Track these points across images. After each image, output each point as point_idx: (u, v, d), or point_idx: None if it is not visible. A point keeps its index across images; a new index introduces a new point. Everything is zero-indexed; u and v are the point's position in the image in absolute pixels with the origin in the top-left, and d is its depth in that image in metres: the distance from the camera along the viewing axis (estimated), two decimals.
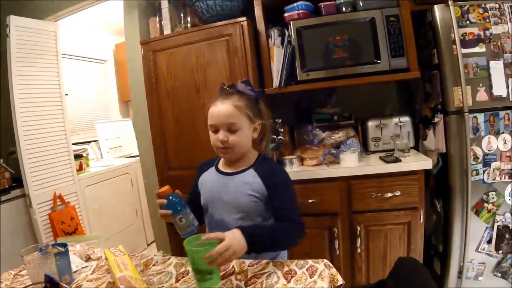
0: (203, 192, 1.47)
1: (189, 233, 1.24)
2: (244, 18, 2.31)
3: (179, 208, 1.24)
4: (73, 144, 3.39)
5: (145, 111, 2.60)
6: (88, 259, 1.50)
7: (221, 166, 1.48)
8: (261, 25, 2.38)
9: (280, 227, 1.28)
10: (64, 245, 1.28)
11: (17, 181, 2.89)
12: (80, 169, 3.33)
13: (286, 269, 1.18)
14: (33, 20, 2.91)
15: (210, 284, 1.09)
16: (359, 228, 2.14)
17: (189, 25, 2.57)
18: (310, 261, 1.21)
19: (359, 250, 2.16)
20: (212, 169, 1.50)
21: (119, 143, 4.49)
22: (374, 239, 2.16)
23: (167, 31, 2.57)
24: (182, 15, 2.59)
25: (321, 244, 2.21)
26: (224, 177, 1.43)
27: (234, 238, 1.10)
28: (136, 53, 2.64)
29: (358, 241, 2.15)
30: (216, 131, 1.36)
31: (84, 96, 4.41)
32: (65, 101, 3.15)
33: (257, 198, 1.34)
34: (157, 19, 2.64)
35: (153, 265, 1.34)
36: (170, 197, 1.26)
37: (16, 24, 2.76)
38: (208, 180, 1.47)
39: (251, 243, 1.13)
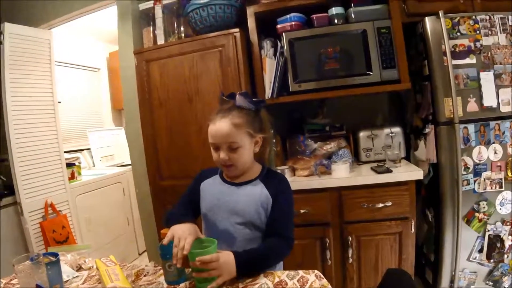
0: (205, 200, 1.45)
1: (172, 282, 1.22)
2: (237, 29, 2.33)
3: (168, 256, 1.20)
4: (65, 152, 3.36)
5: (138, 120, 2.59)
6: (79, 268, 1.48)
7: (225, 175, 1.47)
8: (254, 36, 2.40)
9: (271, 251, 1.29)
10: (55, 254, 1.27)
11: (9, 188, 2.87)
12: (72, 177, 3.31)
13: (277, 280, 1.18)
14: (27, 28, 2.92)
15: (206, 285, 1.12)
16: (350, 238, 2.15)
17: (182, 35, 2.60)
18: (301, 272, 1.21)
19: (350, 260, 2.17)
20: (216, 177, 1.48)
21: (111, 151, 4.47)
22: (365, 249, 2.17)
23: (160, 41, 2.58)
24: (175, 25, 2.61)
25: (313, 254, 2.21)
26: (231, 186, 1.41)
27: (226, 263, 1.15)
28: (129, 62, 2.65)
29: (350, 251, 2.15)
30: (217, 148, 1.35)
31: (77, 104, 4.40)
32: (58, 109, 3.14)
33: (263, 209, 1.34)
34: (151, 29, 2.66)
35: (144, 276, 1.33)
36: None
37: (10, 31, 2.76)
38: (212, 188, 1.45)
39: (240, 272, 1.17)
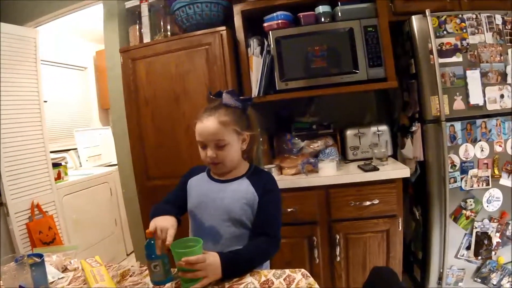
0: (191, 197, 1.45)
1: (158, 282, 1.21)
2: (223, 28, 2.32)
3: (153, 256, 1.20)
4: (52, 152, 3.32)
5: (124, 120, 2.56)
6: (64, 270, 1.47)
7: (212, 173, 1.47)
8: (240, 34, 2.40)
9: (257, 252, 1.29)
10: (40, 255, 1.26)
11: None
12: (58, 177, 3.27)
13: (263, 279, 1.17)
14: (12, 26, 2.86)
15: (192, 284, 1.12)
16: (338, 237, 2.15)
17: (169, 33, 2.57)
18: (287, 271, 1.21)
19: (338, 259, 2.17)
20: (203, 174, 1.48)
21: (98, 151, 4.42)
22: (353, 247, 2.17)
23: (146, 39, 2.56)
24: (162, 23, 2.59)
25: (301, 253, 2.21)
26: (217, 184, 1.42)
27: (212, 264, 1.14)
28: (115, 61, 2.62)
29: (338, 249, 2.16)
30: (204, 147, 1.36)
31: (63, 103, 4.34)
32: (44, 108, 3.09)
33: (249, 207, 1.34)
34: (137, 27, 2.64)
35: (130, 276, 1.32)
36: (152, 242, 1.22)
37: None
38: (199, 186, 1.46)
39: (226, 274, 1.17)
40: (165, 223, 1.22)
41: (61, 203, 3.17)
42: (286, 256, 2.15)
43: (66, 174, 3.43)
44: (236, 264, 1.21)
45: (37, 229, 2.82)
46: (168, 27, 2.58)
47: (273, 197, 1.39)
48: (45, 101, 3.16)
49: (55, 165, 3.26)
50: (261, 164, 1.55)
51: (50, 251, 1.60)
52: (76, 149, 4.23)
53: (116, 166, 3.14)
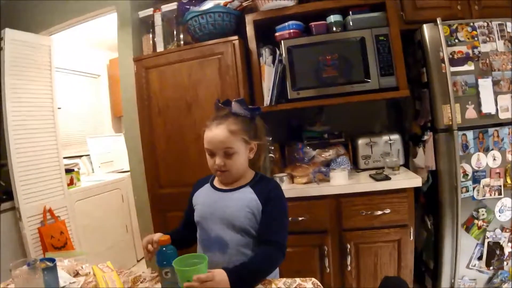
0: (198, 208, 1.45)
1: None
2: (236, 37, 2.34)
3: (165, 263, 1.20)
4: (64, 158, 3.36)
5: (137, 128, 2.59)
6: (76, 274, 1.48)
7: (216, 182, 1.48)
8: (252, 44, 2.41)
9: (263, 263, 1.27)
10: (52, 260, 1.27)
11: (7, 194, 2.85)
12: (70, 183, 3.32)
13: (274, 287, 1.18)
14: (27, 34, 2.92)
15: None
16: (349, 246, 2.14)
17: (181, 42, 2.61)
18: (298, 280, 1.21)
19: (349, 268, 2.16)
20: (207, 185, 1.49)
21: (110, 158, 4.46)
22: (364, 256, 2.16)
23: (160, 48, 2.59)
24: (175, 33, 2.62)
25: (312, 262, 2.20)
26: (221, 193, 1.42)
27: (220, 282, 1.11)
28: (129, 69, 2.65)
29: (348, 258, 2.15)
30: (212, 154, 1.37)
31: (76, 110, 4.40)
32: (57, 115, 3.14)
33: (253, 215, 1.34)
34: (150, 36, 2.67)
35: (141, 282, 1.33)
36: (164, 248, 1.23)
37: (11, 37, 2.76)
38: (204, 196, 1.47)
39: None
40: (151, 235, 1.31)
41: (73, 209, 3.20)
42: (296, 265, 2.13)
43: (78, 180, 3.47)
44: (244, 278, 1.19)
45: (49, 233, 2.85)
46: (181, 36, 2.62)
47: (277, 205, 1.38)
48: (59, 108, 3.21)
49: (68, 171, 3.31)
50: (267, 173, 1.55)
51: (61, 256, 1.62)
52: (88, 155, 4.27)
53: (128, 173, 3.17)
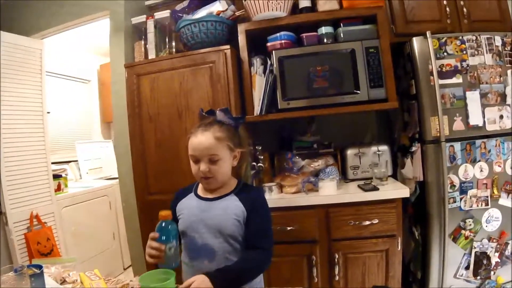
0: (183, 217, 1.46)
1: (169, 265, 1.22)
2: (227, 46, 2.35)
3: (164, 238, 1.22)
4: (53, 163, 3.33)
5: (127, 134, 2.58)
6: (63, 282, 1.47)
7: (200, 191, 1.49)
8: (244, 53, 2.42)
9: (247, 262, 1.32)
10: (39, 266, 1.26)
11: None
12: (58, 189, 3.27)
13: None
14: (18, 37, 2.90)
15: None
16: (337, 256, 2.15)
17: (173, 50, 2.61)
18: None
19: (337, 278, 2.16)
20: (191, 195, 1.50)
21: (99, 164, 4.43)
22: (352, 266, 2.17)
23: (151, 55, 2.59)
24: (167, 40, 2.63)
25: (300, 272, 2.19)
26: (207, 202, 1.44)
27: (201, 284, 1.14)
28: (120, 76, 2.64)
29: (337, 268, 2.15)
30: (197, 161, 1.38)
31: (66, 115, 4.37)
32: (47, 119, 3.11)
33: (239, 222, 1.36)
34: (143, 43, 2.67)
35: None
36: (163, 224, 1.25)
37: (2, 39, 2.73)
38: (189, 205, 1.47)
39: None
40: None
41: (60, 215, 3.16)
42: (285, 275, 2.13)
43: (66, 186, 3.43)
44: (227, 278, 1.21)
45: (35, 239, 2.81)
46: (173, 44, 2.62)
47: (262, 213, 1.41)
48: (48, 112, 3.18)
49: (56, 176, 3.27)
50: (249, 182, 1.57)
51: (48, 262, 1.60)
52: (77, 161, 4.23)
53: (116, 180, 3.14)
